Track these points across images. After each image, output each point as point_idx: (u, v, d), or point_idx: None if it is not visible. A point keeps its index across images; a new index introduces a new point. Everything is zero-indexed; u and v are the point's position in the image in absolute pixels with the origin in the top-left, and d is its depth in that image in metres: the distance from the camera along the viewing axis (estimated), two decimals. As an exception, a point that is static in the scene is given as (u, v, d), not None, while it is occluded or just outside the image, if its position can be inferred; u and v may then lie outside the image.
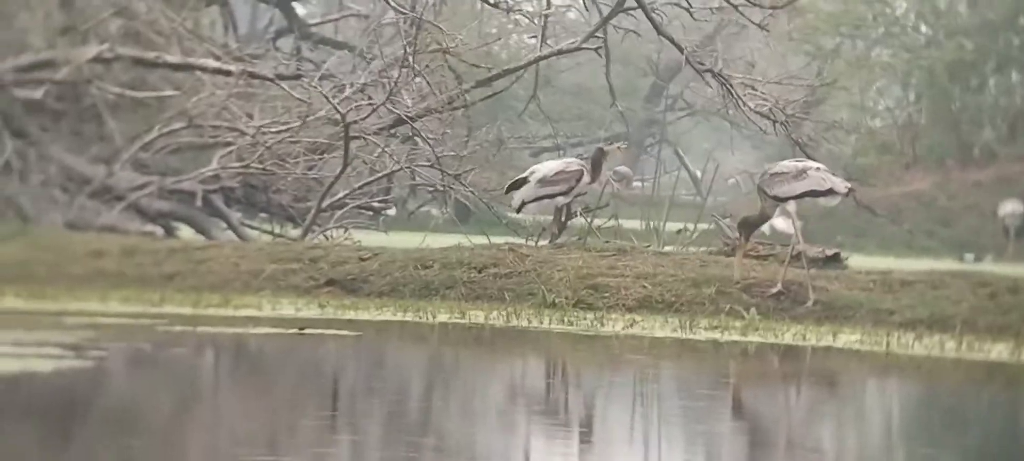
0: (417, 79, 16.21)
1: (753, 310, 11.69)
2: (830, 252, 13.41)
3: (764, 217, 12.18)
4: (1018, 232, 25.05)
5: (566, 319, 11.44)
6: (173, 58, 15.84)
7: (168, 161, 16.08)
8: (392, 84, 15.83)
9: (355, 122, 15.39)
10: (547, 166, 13.38)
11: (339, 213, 16.02)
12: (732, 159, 32.53)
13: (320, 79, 16.66)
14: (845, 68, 29.82)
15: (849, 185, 12.38)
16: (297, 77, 16.62)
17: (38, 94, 15.21)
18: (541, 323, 11.31)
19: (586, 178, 13.04)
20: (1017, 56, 30.40)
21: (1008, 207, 25.32)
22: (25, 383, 7.80)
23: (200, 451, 6.72)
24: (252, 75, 16.20)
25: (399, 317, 11.35)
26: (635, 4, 16.56)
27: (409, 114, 16.04)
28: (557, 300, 11.86)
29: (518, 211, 13.55)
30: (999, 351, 10.65)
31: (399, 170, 16.49)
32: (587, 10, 19.45)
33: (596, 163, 13.07)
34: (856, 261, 14.10)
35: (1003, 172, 27.95)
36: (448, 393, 8.86)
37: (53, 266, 12.39)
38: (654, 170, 31.37)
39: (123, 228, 14.68)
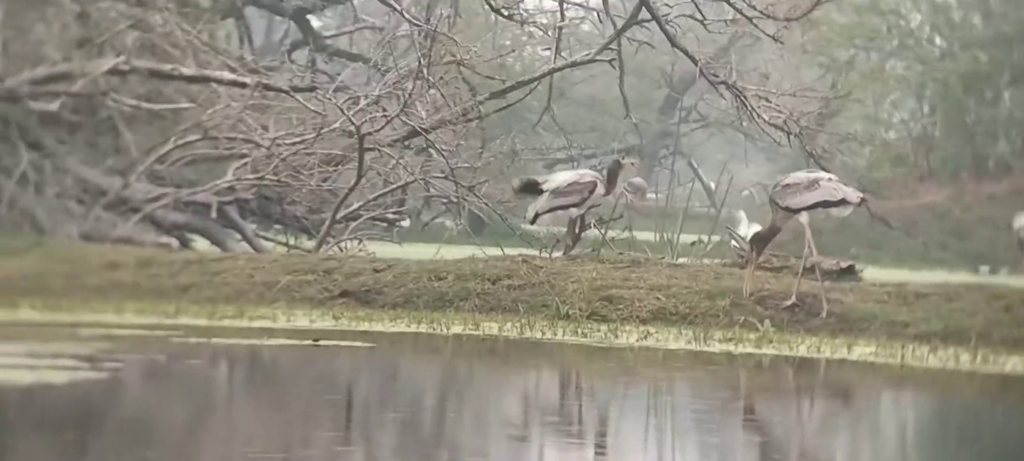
0: (431, 91, 16.25)
1: (767, 322, 11.67)
2: (845, 264, 13.39)
3: (775, 230, 12.17)
4: (1033, 244, 24.94)
5: (580, 331, 11.43)
6: (189, 70, 15.90)
7: (183, 173, 16.14)
8: (406, 96, 15.87)
9: (369, 134, 15.43)
10: (560, 177, 13.40)
11: (353, 225, 16.06)
12: (746, 171, 32.50)
13: (335, 91, 16.71)
14: (859, 80, 29.79)
15: (861, 195, 12.36)
16: (312, 89, 16.67)
17: (54, 106, 15.27)
18: (555, 335, 11.31)
19: (600, 190, 13.05)
20: (1032, 69, 30.33)
21: (1023, 219, 25.21)
22: (40, 394, 7.83)
23: (215, 462, 6.74)
24: (267, 87, 16.25)
25: (413, 328, 11.37)
26: (649, 16, 16.58)
27: (423, 126, 16.08)
28: (571, 312, 11.87)
29: (532, 222, 13.57)
30: (1014, 364, 10.62)
31: (413, 182, 16.52)
32: (601, 22, 19.47)
33: (612, 175, 13.08)
34: (871, 273, 14.08)
35: (1018, 184, 27.87)
36: (462, 405, 8.87)
37: (69, 278, 12.44)
38: (668, 182, 31.36)
39: (138, 240, 14.72)
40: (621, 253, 13.78)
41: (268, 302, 12.06)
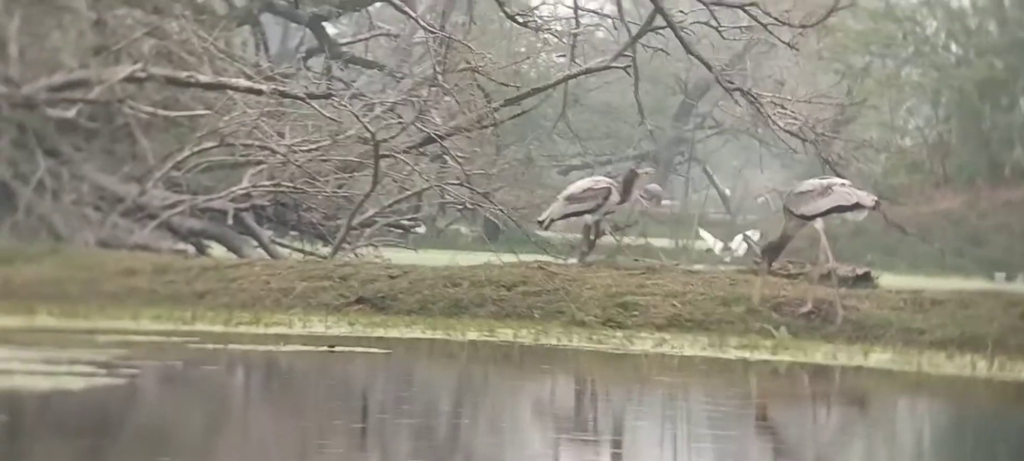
0: (446, 98, 16.28)
1: (783, 329, 11.65)
2: (860, 271, 13.36)
3: (787, 239, 12.15)
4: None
5: (595, 337, 11.43)
6: (205, 78, 15.94)
7: (200, 180, 16.18)
8: (422, 103, 15.91)
9: (385, 141, 15.46)
10: (575, 184, 13.43)
11: (369, 231, 16.09)
12: (761, 177, 32.47)
13: (350, 98, 16.75)
14: (875, 87, 29.74)
15: (876, 198, 12.34)
16: (328, 96, 16.71)
17: (71, 113, 15.32)
18: (570, 341, 11.31)
19: (615, 196, 13.06)
20: (1048, 76, 30.24)
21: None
22: (58, 401, 7.86)
23: (231, 468, 6.76)
24: (283, 94, 16.29)
25: (428, 335, 11.38)
26: (664, 23, 16.58)
27: (438, 133, 16.10)
28: (586, 318, 11.86)
29: (545, 228, 13.58)
30: (1031, 371, 10.59)
31: (429, 188, 16.55)
32: (616, 29, 19.51)
33: (627, 183, 13.09)
34: (887, 280, 14.05)
35: (1033, 191, 27.78)
36: (477, 411, 8.87)
37: (86, 284, 12.48)
38: (683, 188, 31.37)
39: (155, 246, 14.76)
40: (636, 259, 13.78)
41: (284, 308, 12.08)
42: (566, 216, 13.19)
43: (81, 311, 11.38)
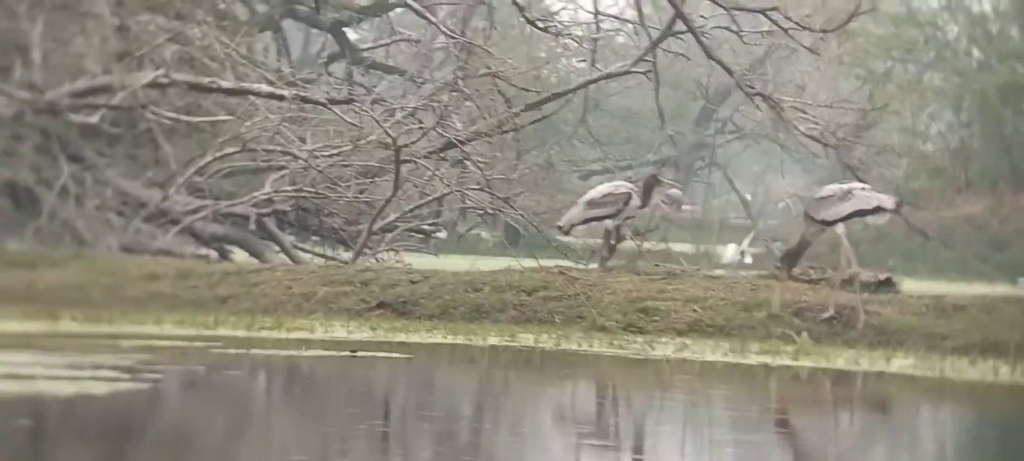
0: (467, 103, 16.31)
1: (805, 334, 11.63)
2: (882, 276, 13.33)
3: (806, 245, 12.13)
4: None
5: (616, 342, 11.43)
6: (227, 83, 16.00)
7: (222, 185, 16.24)
8: (442, 108, 15.95)
9: (406, 146, 15.50)
10: (596, 189, 13.44)
11: (390, 236, 16.12)
12: (782, 182, 32.41)
13: (371, 103, 16.81)
14: (897, 92, 29.64)
15: (897, 200, 12.30)
16: (349, 101, 16.76)
17: (94, 119, 15.39)
18: (591, 346, 11.31)
19: (635, 201, 13.06)
20: (1070, 79, 30.09)
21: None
22: (81, 405, 7.89)
23: (254, 472, 6.78)
24: (305, 100, 16.34)
25: (449, 340, 11.40)
26: (685, 28, 16.58)
27: (459, 138, 16.14)
28: (607, 323, 11.87)
29: (566, 233, 13.59)
30: (1054, 377, 10.54)
31: (449, 193, 16.57)
32: (637, 34, 19.49)
33: (648, 188, 13.09)
34: (909, 285, 14.01)
35: (1057, 196, 27.64)
36: (498, 416, 8.88)
37: (109, 289, 12.53)
38: (704, 194, 31.33)
39: (178, 251, 14.81)
40: (657, 265, 13.77)
41: (306, 313, 12.12)
42: (586, 221, 13.19)
43: (104, 316, 11.43)
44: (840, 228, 11.99)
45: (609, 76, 18.23)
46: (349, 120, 16.28)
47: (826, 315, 11.86)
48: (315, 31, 24.41)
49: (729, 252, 20.61)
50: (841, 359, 11.05)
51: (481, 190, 16.44)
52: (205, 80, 15.94)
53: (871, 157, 19.55)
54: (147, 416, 8.00)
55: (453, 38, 17.00)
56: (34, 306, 11.63)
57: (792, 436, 8.62)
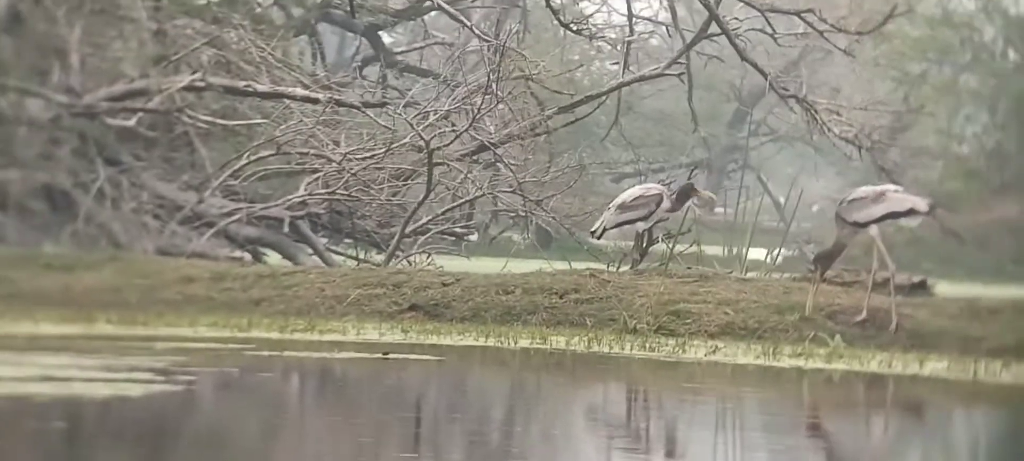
0: (500, 106, 16.35)
1: (838, 337, 11.60)
2: (916, 279, 13.27)
3: (841, 248, 12.09)
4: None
5: (648, 345, 11.43)
6: (263, 87, 16.11)
7: (257, 188, 16.35)
8: (475, 111, 15.99)
9: (439, 148, 15.56)
10: (627, 192, 13.45)
11: (422, 239, 16.18)
12: (816, 185, 32.27)
13: (405, 106, 16.87)
14: (932, 94, 29.46)
15: (930, 202, 12.24)
16: (382, 105, 16.84)
17: (131, 122, 15.53)
18: (622, 349, 11.32)
19: (666, 203, 13.06)
20: (1108, 81, 29.81)
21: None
22: (116, 407, 7.97)
23: (286, 474, 6.83)
24: (339, 103, 16.43)
25: (481, 342, 11.43)
26: (719, 30, 16.56)
27: (492, 140, 16.18)
28: (638, 326, 11.87)
29: (598, 237, 13.60)
30: (1089, 381, 10.47)
31: (481, 196, 16.62)
32: (670, 36, 19.47)
33: (683, 195, 13.09)
34: (943, 288, 13.94)
35: (1094, 199, 27.39)
36: (529, 419, 8.91)
37: (144, 292, 12.64)
38: (737, 196, 31.22)
39: (212, 254, 14.92)
40: (689, 267, 13.77)
41: (338, 315, 12.19)
42: (619, 225, 13.20)
43: (140, 318, 11.53)
44: (874, 230, 11.95)
45: (642, 79, 18.22)
46: (382, 123, 16.35)
47: (859, 318, 11.82)
48: (350, 35, 24.49)
49: None
50: (874, 362, 11.02)
51: (513, 193, 16.47)
52: (241, 84, 16.06)
53: (906, 159, 19.46)
54: (181, 418, 8.07)
55: (487, 41, 17.05)
56: (70, 309, 11.75)
57: (825, 440, 8.60)
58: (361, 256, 16.60)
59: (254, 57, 16.33)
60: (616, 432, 8.43)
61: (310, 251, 16.13)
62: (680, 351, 11.29)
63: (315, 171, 16.28)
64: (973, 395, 10.24)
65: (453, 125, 16.36)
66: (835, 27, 16.35)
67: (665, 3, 18.29)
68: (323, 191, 16.14)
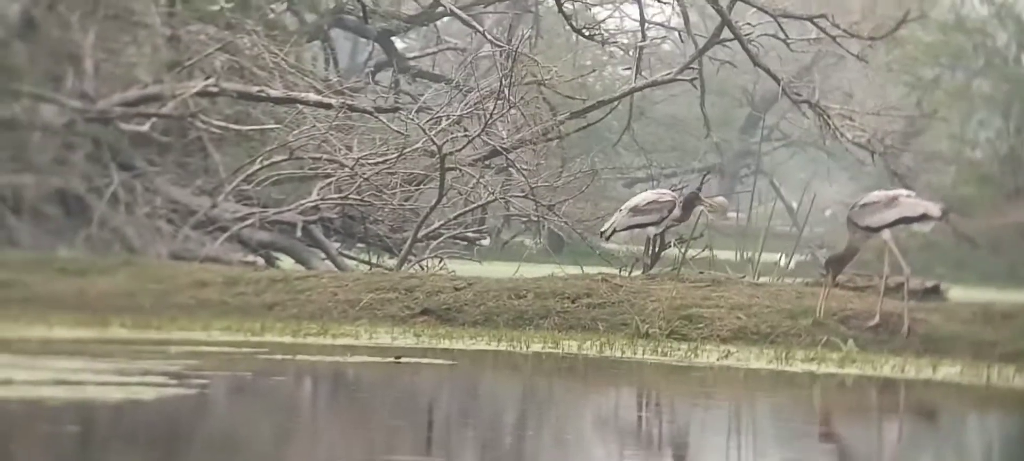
0: (512, 111, 16.37)
1: (851, 342, 11.59)
2: (930, 284, 13.25)
3: (853, 252, 12.07)
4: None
5: (660, 350, 11.43)
6: (276, 92, 16.16)
7: (270, 193, 16.39)
8: (487, 116, 16.01)
9: (451, 153, 15.58)
10: (639, 196, 13.46)
11: (434, 243, 16.20)
12: (829, 190, 32.23)
13: (417, 111, 16.90)
14: (945, 99, 29.41)
15: (943, 207, 12.22)
16: (395, 110, 16.87)
17: (145, 128, 15.58)
18: (634, 354, 11.32)
19: (678, 210, 13.07)
20: (1121, 86, 29.72)
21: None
22: (129, 411, 8.00)
23: (299, 477, 6.85)
24: (352, 108, 16.46)
25: (493, 346, 11.44)
26: (731, 35, 16.56)
27: (504, 145, 16.19)
28: (651, 331, 11.87)
29: (607, 239, 13.60)
30: (1103, 386, 10.44)
31: (494, 201, 16.64)
32: (683, 42, 19.48)
33: (689, 203, 13.09)
34: (956, 293, 13.92)
35: (1107, 204, 27.29)
36: (541, 423, 8.92)
37: (158, 296, 12.68)
38: (749, 201, 31.17)
39: (225, 259, 14.95)
40: (701, 272, 13.76)
41: (351, 320, 12.21)
42: (629, 228, 13.20)
43: (153, 323, 11.56)
44: (887, 234, 11.93)
45: (655, 84, 18.22)
46: (395, 128, 16.38)
47: (872, 323, 11.81)
48: (362, 40, 24.56)
49: None
50: (887, 367, 11.00)
51: (525, 197, 16.49)
52: (254, 89, 16.10)
53: (919, 164, 19.43)
54: (194, 422, 8.10)
55: (499, 46, 17.07)
56: (84, 313, 11.79)
57: (838, 445, 8.59)
58: (373, 261, 16.63)
59: (267, 62, 16.37)
60: (628, 437, 8.43)
61: (323, 256, 16.16)
62: (692, 356, 11.28)
63: (328, 176, 16.32)
64: (986, 400, 10.22)
65: (465, 130, 16.38)
66: (848, 32, 16.35)
67: (677, 8, 18.28)
68: (336, 196, 16.17)
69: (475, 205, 16.59)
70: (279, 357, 10.39)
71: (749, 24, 16.97)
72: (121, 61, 16.27)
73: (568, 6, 18.33)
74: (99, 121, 15.63)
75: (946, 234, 13.52)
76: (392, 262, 16.08)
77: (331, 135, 16.21)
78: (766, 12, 16.74)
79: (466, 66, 18.38)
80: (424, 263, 15.91)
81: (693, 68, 17.03)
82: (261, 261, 15.79)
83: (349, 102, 16.47)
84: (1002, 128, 31.33)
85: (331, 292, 12.71)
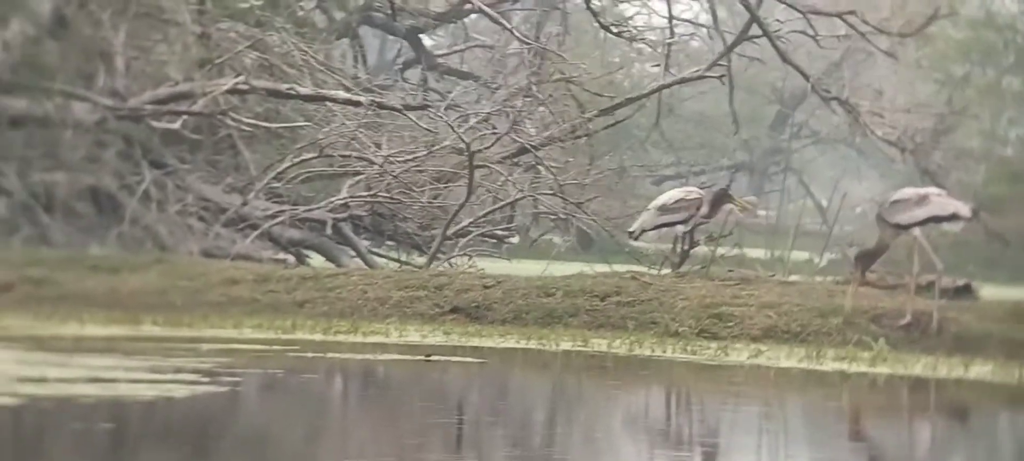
0: (540, 108, 16.38)
1: (882, 341, 11.54)
2: (961, 283, 13.18)
3: (883, 248, 12.02)
4: None
5: (689, 348, 11.41)
6: (305, 90, 16.21)
7: (300, 190, 16.44)
8: (516, 113, 16.02)
9: (479, 151, 15.59)
10: (667, 194, 13.43)
11: (463, 241, 16.22)
12: (859, 188, 32.09)
13: (446, 109, 16.92)
14: (975, 96, 29.24)
15: (973, 207, 12.15)
16: (424, 107, 16.90)
17: (176, 125, 15.66)
18: (664, 352, 11.30)
19: (706, 208, 13.03)
20: None
21: None
22: (162, 408, 8.04)
23: (331, 475, 6.87)
24: (381, 106, 16.50)
25: (522, 345, 11.45)
26: (760, 32, 16.52)
27: (532, 143, 16.20)
28: (680, 329, 11.85)
29: (636, 238, 13.58)
30: None
31: (522, 198, 16.64)
32: (711, 38, 19.44)
33: (717, 201, 13.06)
34: (988, 292, 13.83)
35: None
36: (571, 421, 8.92)
37: (189, 294, 12.73)
38: (779, 199, 31.10)
39: (256, 256, 15.01)
40: (731, 270, 13.72)
41: (381, 317, 12.24)
42: (658, 227, 13.18)
43: (185, 320, 11.62)
44: (917, 232, 11.88)
45: (683, 81, 18.20)
46: (424, 126, 16.41)
47: (903, 322, 11.76)
48: (391, 38, 24.60)
49: None
50: (919, 366, 10.95)
51: (554, 195, 16.48)
52: (284, 87, 16.15)
53: (949, 162, 19.31)
54: (226, 419, 8.14)
55: (527, 43, 17.09)
56: (116, 310, 11.85)
57: (869, 443, 8.56)
58: (403, 258, 16.66)
59: (296, 60, 16.43)
60: (657, 436, 8.42)
61: (352, 253, 16.21)
62: (722, 354, 11.26)
63: (357, 173, 16.36)
64: (1018, 399, 10.16)
65: (494, 128, 16.40)
66: (877, 29, 16.29)
67: (706, 5, 18.26)
68: (365, 193, 16.22)
69: (504, 203, 16.59)
70: (310, 355, 10.42)
71: (778, 21, 16.93)
72: (152, 59, 16.35)
73: (596, 3, 18.33)
74: (130, 119, 15.71)
75: (977, 232, 13.44)
76: (421, 260, 16.11)
77: (360, 133, 16.25)
78: (795, 8, 16.69)
79: (494, 63, 18.40)
80: (453, 261, 15.93)
81: (722, 65, 17.01)
82: (292, 259, 15.84)
83: (378, 100, 16.50)
84: (1033, 125, 31.09)
85: (361, 290, 12.75)
